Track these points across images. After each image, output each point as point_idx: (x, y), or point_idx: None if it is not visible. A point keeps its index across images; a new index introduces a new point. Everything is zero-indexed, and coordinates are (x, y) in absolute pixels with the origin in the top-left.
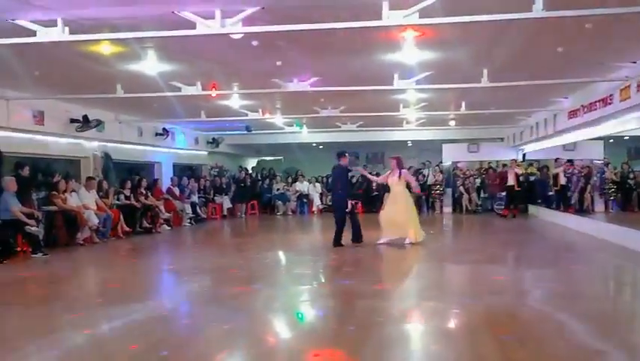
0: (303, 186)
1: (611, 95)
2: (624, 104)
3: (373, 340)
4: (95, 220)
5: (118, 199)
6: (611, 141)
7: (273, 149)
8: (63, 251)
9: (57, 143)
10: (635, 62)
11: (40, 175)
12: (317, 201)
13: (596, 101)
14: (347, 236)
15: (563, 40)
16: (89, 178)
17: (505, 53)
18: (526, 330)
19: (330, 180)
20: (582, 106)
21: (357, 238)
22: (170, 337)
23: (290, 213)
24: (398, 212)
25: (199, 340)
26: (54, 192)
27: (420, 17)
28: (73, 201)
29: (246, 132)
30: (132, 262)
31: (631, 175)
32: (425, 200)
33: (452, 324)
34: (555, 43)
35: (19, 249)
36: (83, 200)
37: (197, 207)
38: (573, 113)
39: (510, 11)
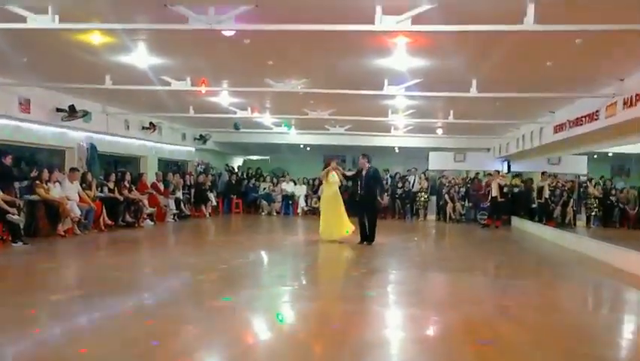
0: (288, 187)
1: (597, 111)
2: (610, 121)
3: (351, 344)
4: (77, 212)
5: (101, 192)
6: (595, 156)
7: (261, 148)
8: (44, 241)
9: (42, 132)
10: (622, 80)
11: (23, 164)
12: (302, 203)
13: (582, 117)
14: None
15: (553, 55)
16: (73, 169)
17: (496, 65)
18: (504, 340)
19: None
20: (568, 120)
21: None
22: (145, 335)
23: (275, 213)
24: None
25: (176, 339)
26: (37, 182)
27: (412, 24)
28: (56, 191)
29: (234, 130)
30: (111, 257)
31: (613, 191)
32: (410, 207)
33: (430, 331)
34: (545, 57)
35: None
36: (65, 191)
37: (182, 204)
38: (559, 128)
39: (502, 23)
